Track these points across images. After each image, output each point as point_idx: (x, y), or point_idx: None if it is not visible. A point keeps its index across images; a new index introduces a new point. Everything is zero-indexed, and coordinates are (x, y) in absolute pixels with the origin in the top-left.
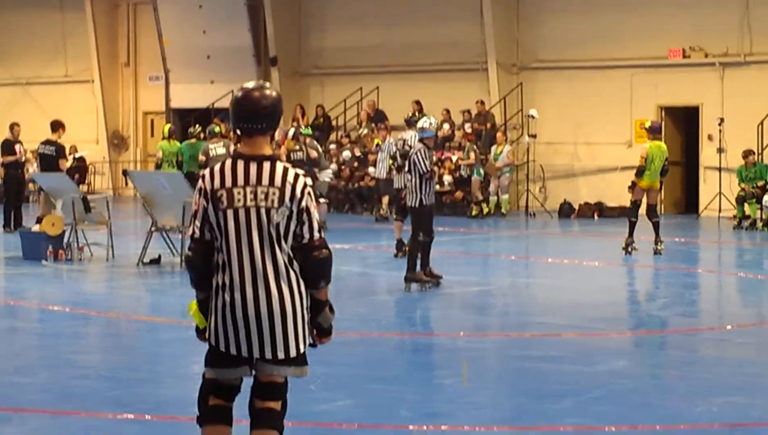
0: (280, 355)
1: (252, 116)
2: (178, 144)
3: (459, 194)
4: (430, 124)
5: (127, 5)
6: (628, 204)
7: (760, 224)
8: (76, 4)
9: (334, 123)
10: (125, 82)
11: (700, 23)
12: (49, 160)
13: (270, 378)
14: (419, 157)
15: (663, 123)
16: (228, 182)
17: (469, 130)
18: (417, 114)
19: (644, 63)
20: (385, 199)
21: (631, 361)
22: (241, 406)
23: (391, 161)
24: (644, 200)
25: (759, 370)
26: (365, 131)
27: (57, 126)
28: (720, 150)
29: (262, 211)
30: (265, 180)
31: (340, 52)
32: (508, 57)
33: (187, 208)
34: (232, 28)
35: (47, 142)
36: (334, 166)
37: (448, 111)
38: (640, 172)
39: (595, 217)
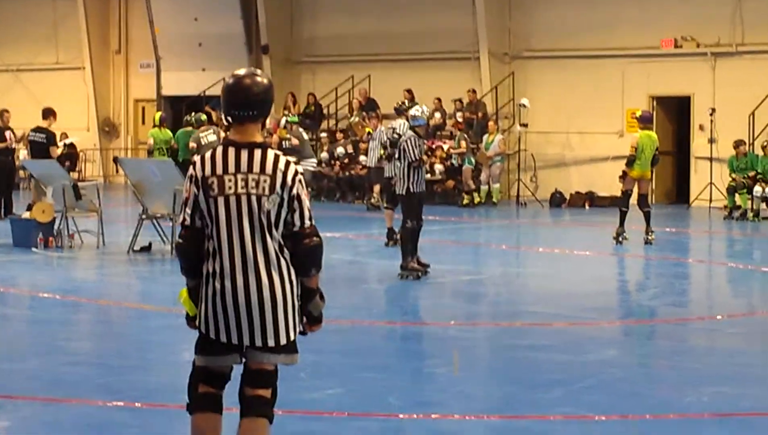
0: (270, 342)
1: (243, 103)
2: (169, 132)
3: (450, 183)
4: (422, 112)
5: None
6: (619, 194)
7: (750, 214)
8: None
9: (325, 111)
10: (116, 70)
11: (692, 14)
12: (40, 148)
13: (260, 366)
14: (409, 144)
15: (654, 113)
16: (219, 169)
17: (460, 119)
18: (407, 102)
19: (636, 53)
20: (377, 188)
21: (621, 351)
22: (231, 393)
23: (382, 150)
24: (635, 190)
25: (749, 360)
26: (356, 119)
27: (48, 113)
28: (711, 140)
29: (253, 198)
30: (256, 167)
31: (331, 40)
32: (500, 46)
33: (177, 196)
34: (223, 16)
35: (38, 130)
36: (325, 154)
37: (439, 100)
38: (630, 161)
39: (586, 206)
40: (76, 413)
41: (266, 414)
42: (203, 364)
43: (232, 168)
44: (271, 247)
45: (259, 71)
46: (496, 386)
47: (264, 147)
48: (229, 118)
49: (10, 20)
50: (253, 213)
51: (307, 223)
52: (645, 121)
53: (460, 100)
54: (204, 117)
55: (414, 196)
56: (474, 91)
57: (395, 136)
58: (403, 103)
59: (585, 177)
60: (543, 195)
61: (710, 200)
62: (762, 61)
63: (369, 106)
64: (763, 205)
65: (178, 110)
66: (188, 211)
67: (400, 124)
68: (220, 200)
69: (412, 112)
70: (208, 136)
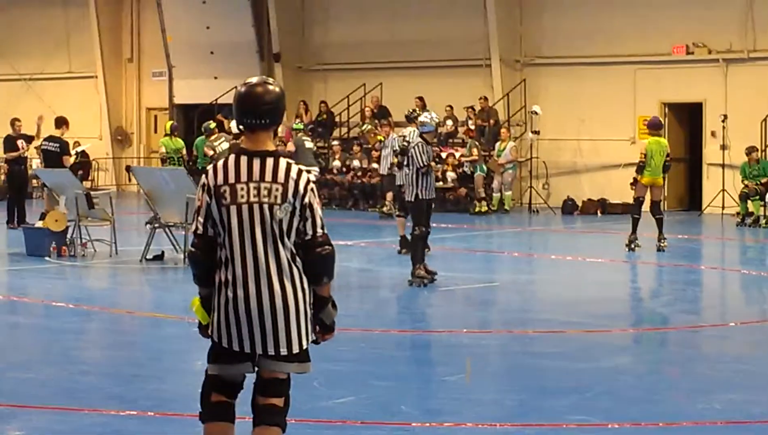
0: (283, 351)
1: (255, 112)
2: (180, 141)
3: (462, 191)
4: (431, 118)
5: (131, 0)
6: (631, 201)
7: (763, 221)
8: None
9: (337, 119)
10: (129, 78)
11: (703, 20)
12: (53, 157)
13: (272, 374)
14: (417, 151)
15: (666, 119)
16: (231, 178)
17: (472, 127)
18: (419, 110)
19: (648, 59)
20: (389, 196)
21: (633, 358)
22: (243, 402)
23: (394, 158)
24: (648, 197)
25: (761, 368)
26: (368, 127)
27: (61, 122)
28: (723, 147)
29: (265, 207)
30: (268, 176)
31: (343, 47)
32: (512, 53)
33: (190, 204)
34: (235, 24)
35: (51, 139)
36: (337, 163)
37: (451, 107)
38: (640, 168)
39: (599, 213)
40: (89, 422)
41: (279, 423)
42: (216, 373)
43: (244, 177)
44: (284, 255)
45: (271, 79)
46: (509, 394)
47: (276, 155)
48: (241, 127)
49: (23, 29)
50: (265, 222)
51: (320, 231)
52: (653, 128)
53: (472, 108)
54: (213, 125)
55: (423, 202)
56: (486, 99)
57: (405, 143)
58: (414, 110)
59: (597, 184)
60: (555, 202)
61: (722, 207)
62: None
63: (381, 113)
64: None
65: (190, 119)
66: (201, 219)
67: (411, 131)
68: (233, 209)
69: (420, 118)
70: (221, 144)
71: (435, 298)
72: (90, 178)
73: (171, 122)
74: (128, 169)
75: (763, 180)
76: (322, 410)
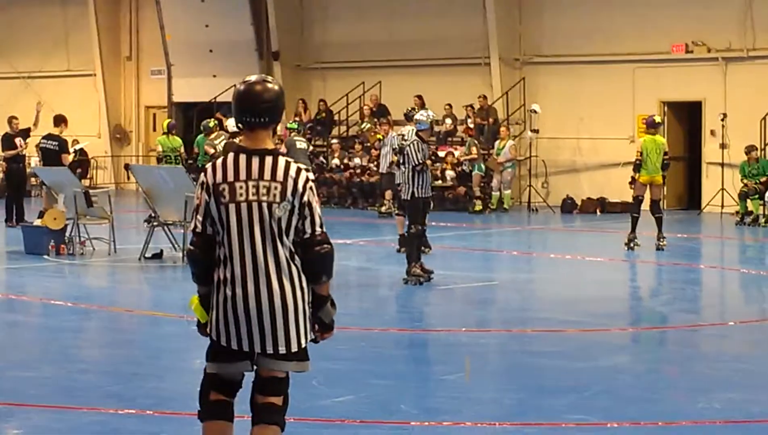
0: (281, 350)
1: (254, 110)
2: (178, 139)
3: (461, 189)
4: (426, 116)
5: None
6: (630, 199)
7: (762, 220)
8: None
9: (336, 117)
10: (127, 76)
11: (702, 18)
12: (52, 155)
13: (271, 373)
14: (412, 149)
15: (665, 118)
16: (230, 176)
17: (471, 125)
18: (417, 109)
19: (647, 58)
20: (388, 194)
21: (632, 357)
22: (242, 401)
23: (394, 157)
24: (647, 195)
25: (760, 367)
26: (367, 126)
27: (59, 121)
28: (722, 145)
29: (264, 205)
30: (267, 174)
31: (342, 46)
32: (511, 51)
33: (188, 203)
34: (234, 22)
35: (49, 137)
36: (336, 161)
37: (450, 105)
38: (636, 166)
39: (598, 212)
40: (87, 421)
41: (278, 421)
42: (214, 372)
43: (243, 175)
44: (282, 254)
45: (270, 78)
46: (507, 393)
47: (275, 154)
48: (240, 125)
49: (21, 27)
50: (264, 220)
51: (318, 230)
52: (649, 126)
53: (471, 106)
54: (213, 123)
55: (419, 200)
56: (485, 97)
57: (403, 142)
58: (413, 109)
59: (596, 183)
60: (554, 201)
61: (722, 206)
62: None
63: (380, 112)
64: None
65: (189, 117)
66: (199, 217)
67: (410, 130)
68: (231, 207)
69: (416, 116)
70: (222, 142)
71: (434, 296)
72: (89, 176)
73: (168, 120)
74: (127, 167)
75: (763, 179)
76: (321, 409)
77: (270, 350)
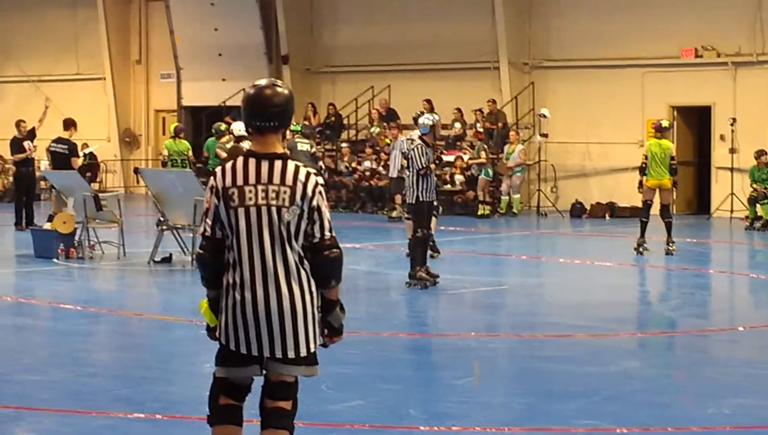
0: (291, 354)
1: (264, 114)
2: (185, 143)
3: (470, 193)
4: (432, 119)
5: (139, 2)
6: (639, 204)
7: None
8: (88, 1)
9: (345, 121)
10: (137, 80)
11: (712, 23)
12: (61, 158)
13: (280, 377)
14: (416, 153)
15: (675, 123)
16: (239, 180)
17: (480, 129)
18: (425, 113)
19: (656, 62)
20: (398, 198)
21: (642, 362)
22: (251, 405)
23: (403, 160)
24: (657, 200)
25: None
26: (377, 130)
27: (69, 124)
28: (732, 150)
29: (273, 209)
30: (277, 178)
31: (351, 50)
32: (520, 56)
33: (198, 207)
34: (243, 26)
35: (59, 140)
36: (344, 164)
37: (459, 110)
38: (641, 170)
39: (607, 217)
40: (96, 425)
41: (287, 426)
42: (224, 376)
43: (252, 179)
44: (291, 258)
45: (279, 82)
46: (517, 398)
47: (284, 158)
48: (250, 129)
49: (31, 30)
50: (273, 224)
51: (327, 234)
52: (656, 130)
53: (480, 111)
54: (224, 127)
55: (424, 204)
56: (494, 102)
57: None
58: (421, 113)
59: (605, 187)
60: (563, 205)
61: (731, 210)
62: None
63: (389, 116)
64: None
65: (198, 121)
66: (209, 221)
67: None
68: (241, 211)
69: (419, 120)
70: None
71: (443, 301)
72: (98, 180)
73: (175, 124)
74: (136, 171)
75: None
76: (330, 413)
77: (279, 354)
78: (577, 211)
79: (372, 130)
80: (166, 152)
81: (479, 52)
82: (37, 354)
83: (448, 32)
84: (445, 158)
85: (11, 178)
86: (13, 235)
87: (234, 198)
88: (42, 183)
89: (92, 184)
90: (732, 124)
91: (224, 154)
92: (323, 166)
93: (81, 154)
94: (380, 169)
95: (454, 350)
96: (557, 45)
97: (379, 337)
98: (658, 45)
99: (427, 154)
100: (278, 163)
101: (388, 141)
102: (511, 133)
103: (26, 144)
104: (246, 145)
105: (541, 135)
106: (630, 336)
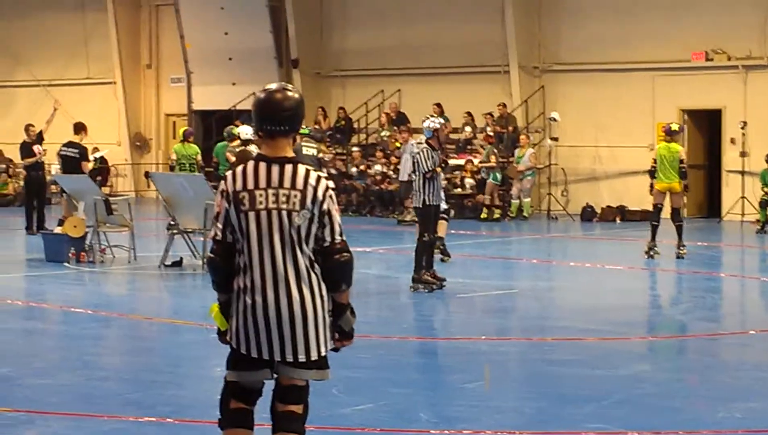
0: (301, 358)
1: (274, 118)
2: (194, 147)
3: (480, 197)
4: (438, 122)
5: (149, 7)
6: (650, 207)
7: None
8: (98, 5)
9: (355, 125)
10: (147, 84)
11: (722, 26)
12: (72, 162)
13: (291, 381)
14: (421, 156)
15: (685, 126)
16: (250, 184)
17: (491, 133)
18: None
19: (667, 66)
20: (408, 202)
21: (652, 366)
22: (262, 409)
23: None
24: (667, 203)
25: None
26: (387, 133)
27: (79, 128)
28: (743, 153)
29: (284, 213)
30: (287, 182)
31: (361, 54)
32: (530, 59)
33: (208, 211)
34: (253, 30)
35: (70, 144)
36: (354, 169)
37: (469, 113)
38: (651, 173)
39: (617, 220)
40: (107, 429)
41: (298, 430)
42: (234, 380)
43: (263, 183)
44: (302, 262)
45: (290, 86)
46: (528, 401)
47: (295, 162)
48: (260, 133)
49: (41, 34)
50: (283, 228)
51: (338, 238)
52: (666, 133)
53: (491, 114)
54: (236, 130)
55: (430, 208)
56: (504, 105)
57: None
58: (432, 116)
59: (616, 191)
60: (574, 209)
61: (742, 214)
62: None
63: (399, 120)
64: None
65: (208, 125)
66: (219, 225)
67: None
68: (251, 215)
69: (423, 124)
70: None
71: (453, 305)
72: (109, 184)
73: (184, 128)
74: (147, 175)
75: None
76: (340, 417)
77: (290, 358)
78: (588, 214)
79: (382, 133)
80: (174, 156)
81: (489, 55)
82: (48, 358)
83: (458, 36)
84: (455, 162)
85: (22, 183)
86: (24, 239)
87: (245, 202)
88: (53, 187)
89: (103, 188)
90: (743, 128)
91: (233, 159)
92: (325, 170)
93: (92, 158)
94: (390, 172)
95: (464, 354)
96: (567, 48)
97: (389, 341)
98: (669, 48)
99: (432, 157)
100: (289, 167)
101: (398, 144)
102: (522, 136)
103: (36, 148)
104: (253, 148)
105: (551, 139)
106: (641, 340)
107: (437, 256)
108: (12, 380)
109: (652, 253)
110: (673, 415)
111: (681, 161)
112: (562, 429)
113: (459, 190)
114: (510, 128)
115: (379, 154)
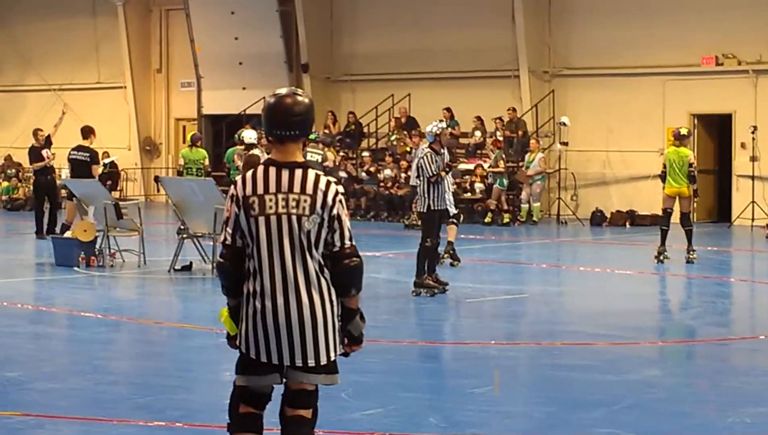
0: (311, 362)
1: (284, 123)
2: (202, 151)
3: (490, 202)
4: (437, 128)
5: (160, 11)
6: (660, 212)
7: None
8: (109, 9)
9: (365, 130)
10: (157, 89)
11: (733, 31)
12: (82, 166)
13: (300, 386)
14: (425, 161)
15: (696, 131)
16: (260, 189)
17: (500, 138)
18: (446, 121)
19: (677, 70)
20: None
21: (662, 371)
22: (271, 413)
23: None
24: (677, 208)
25: None
26: (396, 138)
27: (88, 132)
28: (753, 158)
29: (293, 218)
30: (297, 187)
31: (371, 58)
32: (540, 64)
33: (218, 215)
34: (264, 35)
35: (79, 148)
36: (364, 174)
37: (479, 118)
38: (661, 177)
39: (627, 225)
40: (116, 433)
41: (307, 434)
42: (244, 384)
43: (273, 187)
44: (311, 267)
45: (300, 90)
46: (537, 406)
47: (305, 166)
48: (270, 138)
49: (52, 39)
50: (293, 233)
51: (347, 243)
52: (675, 138)
53: (501, 119)
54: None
55: (435, 213)
56: (514, 110)
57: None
58: (441, 120)
59: (626, 195)
60: (583, 213)
61: (752, 219)
62: None
63: (409, 124)
64: None
65: (218, 129)
66: (229, 230)
67: None
68: (261, 220)
69: (426, 129)
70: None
71: (462, 309)
72: (119, 188)
73: (192, 132)
74: (157, 179)
75: None
76: (349, 422)
77: (299, 363)
78: (597, 219)
79: (392, 138)
80: (182, 161)
81: (499, 60)
82: (58, 362)
83: (468, 40)
84: (465, 166)
85: (32, 187)
86: (34, 243)
87: (254, 207)
88: (63, 191)
89: (113, 193)
90: (753, 132)
91: (239, 162)
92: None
93: (102, 163)
94: (401, 176)
95: (473, 359)
96: (577, 53)
97: (398, 346)
98: (679, 53)
99: (436, 161)
100: (298, 172)
101: (408, 149)
102: (532, 141)
103: (44, 152)
104: (257, 152)
105: (561, 143)
106: (650, 345)
107: (447, 260)
108: (22, 384)
109: (662, 257)
110: (683, 420)
111: (690, 165)
112: (571, 434)
113: (468, 194)
114: (520, 133)
115: (388, 158)
